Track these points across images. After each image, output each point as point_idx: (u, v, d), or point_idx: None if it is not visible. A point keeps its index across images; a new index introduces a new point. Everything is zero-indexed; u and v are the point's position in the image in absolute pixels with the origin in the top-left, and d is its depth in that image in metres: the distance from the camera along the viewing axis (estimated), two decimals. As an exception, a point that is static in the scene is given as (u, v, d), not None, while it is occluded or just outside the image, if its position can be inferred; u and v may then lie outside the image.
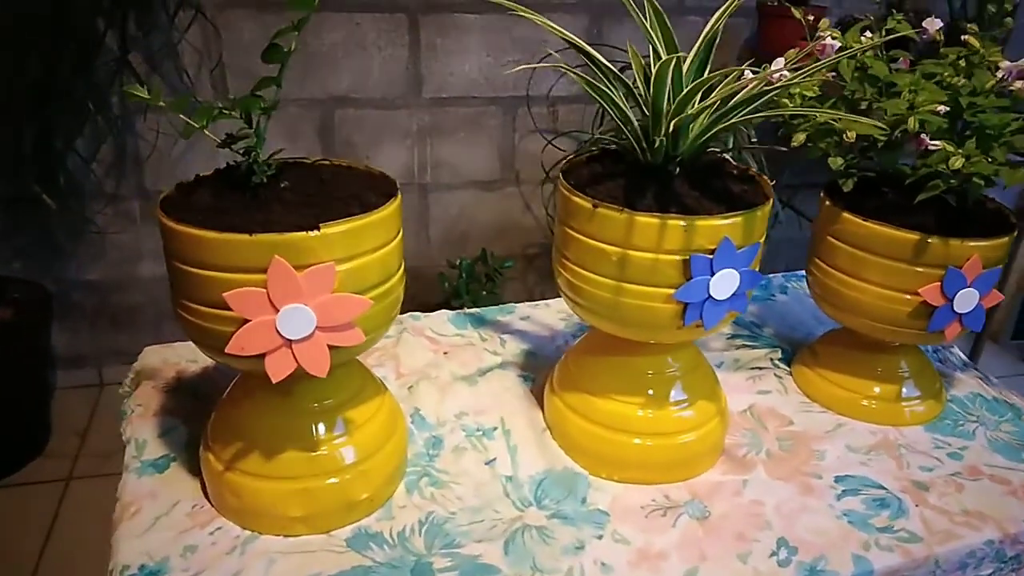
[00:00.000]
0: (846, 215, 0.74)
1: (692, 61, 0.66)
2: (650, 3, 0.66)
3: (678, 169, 0.65)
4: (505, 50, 1.83)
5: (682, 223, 0.60)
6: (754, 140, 1.62)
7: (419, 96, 1.84)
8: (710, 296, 0.62)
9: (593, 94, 0.65)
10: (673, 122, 0.60)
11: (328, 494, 0.63)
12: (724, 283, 0.62)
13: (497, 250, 1.95)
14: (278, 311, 0.55)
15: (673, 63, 0.59)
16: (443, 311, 0.95)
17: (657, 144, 0.64)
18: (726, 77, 0.61)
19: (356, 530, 0.64)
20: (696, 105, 0.62)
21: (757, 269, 0.67)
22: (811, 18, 0.82)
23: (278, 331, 0.55)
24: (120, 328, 1.89)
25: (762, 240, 0.65)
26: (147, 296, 1.88)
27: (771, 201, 0.65)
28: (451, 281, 1.84)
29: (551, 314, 0.97)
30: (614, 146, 0.72)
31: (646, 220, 0.60)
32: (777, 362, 0.90)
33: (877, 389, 0.81)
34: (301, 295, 0.55)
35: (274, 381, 0.57)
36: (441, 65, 1.82)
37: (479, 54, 1.82)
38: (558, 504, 0.68)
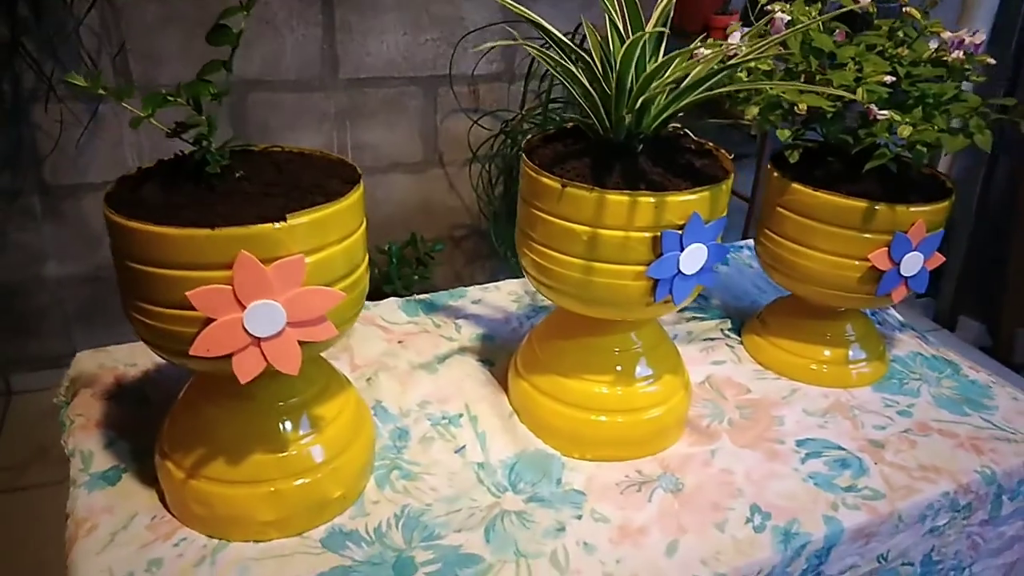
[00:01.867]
0: (795, 186, 0.76)
1: (649, 36, 0.66)
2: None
3: (641, 146, 0.65)
4: (423, 28, 1.79)
5: (652, 200, 0.60)
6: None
7: (336, 77, 1.78)
8: (680, 271, 0.62)
9: (556, 72, 0.64)
10: (641, 99, 0.59)
11: (300, 495, 0.61)
12: (693, 258, 0.62)
13: (424, 233, 1.93)
14: (245, 308, 0.52)
15: (643, 40, 0.58)
16: (392, 299, 0.93)
17: (623, 121, 0.63)
18: (692, 54, 0.61)
19: (330, 529, 0.62)
20: (659, 81, 0.62)
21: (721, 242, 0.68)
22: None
23: (246, 329, 0.52)
24: (26, 333, 1.78)
25: (725, 214, 0.66)
26: (54, 298, 1.77)
27: (732, 175, 0.65)
28: (381, 267, 1.80)
29: (502, 296, 0.96)
30: (571, 124, 0.71)
31: (616, 198, 0.60)
32: (727, 332, 0.91)
33: (827, 353, 0.83)
34: (270, 290, 0.52)
35: (243, 382, 0.54)
36: (357, 45, 1.77)
37: (396, 32, 1.78)
38: (534, 487, 0.67)
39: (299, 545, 0.61)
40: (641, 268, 0.62)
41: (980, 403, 0.81)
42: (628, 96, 0.62)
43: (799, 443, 0.74)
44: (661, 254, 0.61)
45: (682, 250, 0.62)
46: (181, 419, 0.63)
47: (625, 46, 0.60)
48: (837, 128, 0.76)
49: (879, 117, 0.68)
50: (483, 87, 1.90)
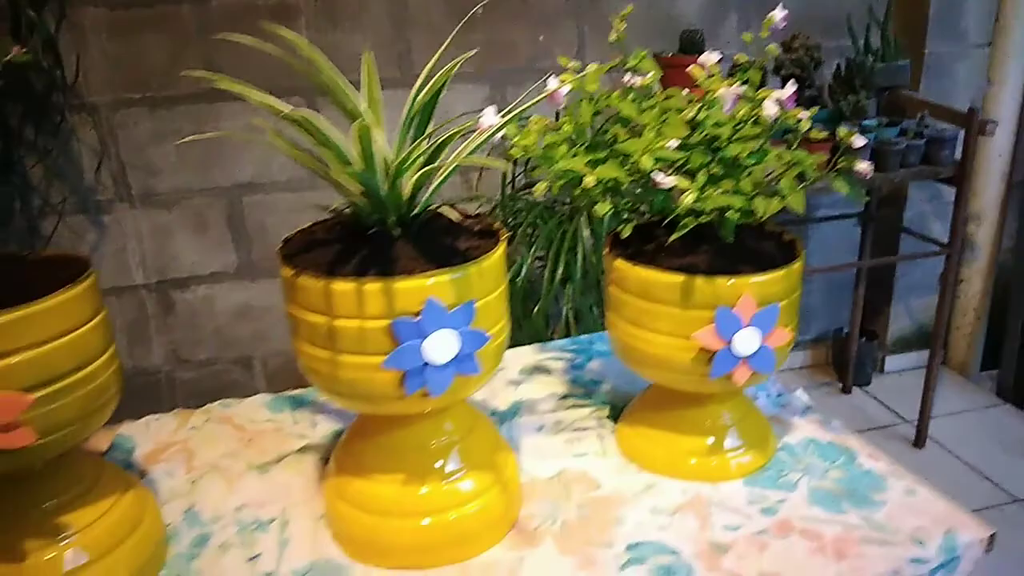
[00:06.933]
0: (619, 262, 0.70)
1: (409, 117, 0.64)
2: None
3: (399, 230, 0.62)
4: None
5: (379, 286, 0.56)
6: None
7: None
8: (428, 362, 0.58)
9: (302, 161, 0.62)
10: (385, 184, 0.57)
11: (36, 610, 0.58)
12: (441, 346, 0.57)
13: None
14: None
15: (369, 128, 0.57)
16: (260, 395, 0.90)
17: (373, 207, 0.61)
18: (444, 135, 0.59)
19: (77, 648, 0.59)
20: (410, 164, 0.60)
21: (500, 326, 0.63)
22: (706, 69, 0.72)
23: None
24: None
25: (493, 296, 0.61)
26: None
27: (494, 254, 0.60)
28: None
29: (375, 389, 0.92)
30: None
31: (343, 286, 0.56)
32: (604, 420, 0.84)
33: (694, 444, 0.75)
34: (-56, 398, 0.51)
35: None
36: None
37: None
38: (309, 602, 0.62)
39: (34, 666, 0.58)
40: (382, 359, 0.57)
41: (866, 497, 0.70)
42: (386, 179, 0.60)
43: (629, 547, 0.66)
44: (399, 344, 0.57)
45: (423, 338, 0.57)
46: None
47: (356, 130, 0.58)
48: (661, 198, 0.69)
49: (662, 185, 0.62)
50: (475, 172, 1.91)
